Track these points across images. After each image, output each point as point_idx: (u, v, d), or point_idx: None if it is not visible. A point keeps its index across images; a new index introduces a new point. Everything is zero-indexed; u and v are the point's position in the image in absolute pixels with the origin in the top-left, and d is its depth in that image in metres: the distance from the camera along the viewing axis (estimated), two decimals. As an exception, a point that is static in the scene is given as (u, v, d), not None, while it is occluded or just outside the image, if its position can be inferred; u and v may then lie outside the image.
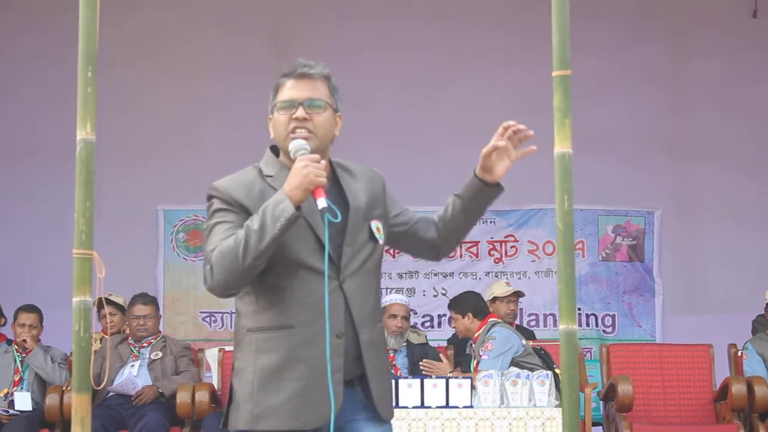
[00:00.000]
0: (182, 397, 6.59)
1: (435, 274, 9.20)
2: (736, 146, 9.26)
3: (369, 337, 2.81)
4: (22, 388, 7.01)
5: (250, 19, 9.29)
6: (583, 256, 9.19)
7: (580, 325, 8.93)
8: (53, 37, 8.69)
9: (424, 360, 6.79)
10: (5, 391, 7.00)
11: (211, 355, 7.35)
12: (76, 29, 2.57)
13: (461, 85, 9.21)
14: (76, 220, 2.52)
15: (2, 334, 7.28)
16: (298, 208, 2.63)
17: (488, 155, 2.89)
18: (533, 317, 9.07)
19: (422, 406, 5.62)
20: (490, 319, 6.60)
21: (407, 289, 9.03)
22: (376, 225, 2.87)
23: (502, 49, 9.20)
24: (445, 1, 9.44)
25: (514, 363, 6.19)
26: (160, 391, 6.81)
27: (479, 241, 9.20)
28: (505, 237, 9.25)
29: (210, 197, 2.79)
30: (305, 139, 2.76)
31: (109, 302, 7.39)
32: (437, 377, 5.89)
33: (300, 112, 2.78)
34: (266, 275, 2.71)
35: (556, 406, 5.62)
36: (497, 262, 9.25)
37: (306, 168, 2.65)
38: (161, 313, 7.58)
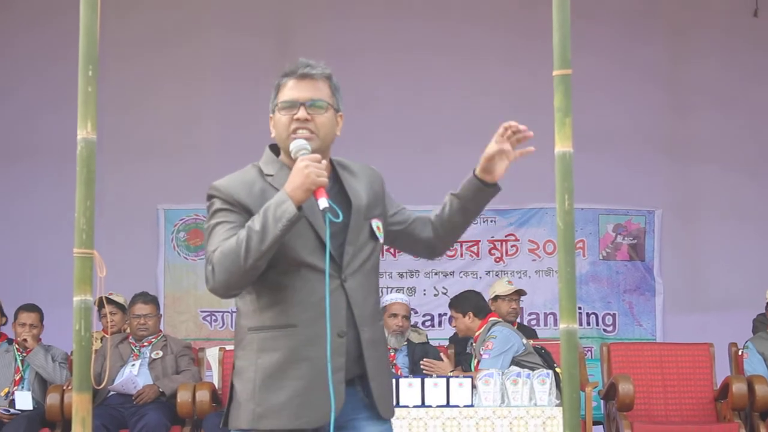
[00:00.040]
0: (183, 397, 6.59)
1: (435, 273, 9.20)
2: (737, 145, 9.26)
3: (370, 336, 2.81)
4: (22, 387, 7.01)
5: (251, 19, 9.29)
6: (584, 255, 9.19)
7: (580, 324, 8.93)
8: (54, 36, 8.70)
9: (424, 359, 6.79)
10: (6, 390, 7.00)
11: (212, 354, 7.35)
12: (76, 29, 2.57)
13: (462, 85, 9.21)
14: (76, 219, 2.52)
15: (3, 334, 7.28)
16: (299, 208, 2.63)
17: (491, 158, 2.86)
18: (534, 316, 9.07)
19: (423, 405, 5.62)
20: (490, 319, 6.60)
21: (408, 288, 9.03)
22: (376, 224, 2.88)
23: (502, 49, 9.21)
24: (446, 0, 9.44)
25: (515, 362, 6.19)
26: (160, 390, 6.82)
27: (480, 240, 9.21)
28: (506, 236, 9.25)
29: (210, 197, 2.79)
30: (307, 139, 2.76)
31: (110, 301, 7.39)
32: (438, 376, 5.89)
33: (302, 113, 2.78)
34: (268, 274, 2.71)
35: (556, 405, 5.62)
36: (498, 261, 9.25)
37: (307, 168, 2.65)
38: (162, 312, 7.58)
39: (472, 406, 5.62)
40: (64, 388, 6.70)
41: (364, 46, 9.14)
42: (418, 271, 9.18)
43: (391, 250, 8.41)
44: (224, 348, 7.21)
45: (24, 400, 6.88)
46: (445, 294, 8.94)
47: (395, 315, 7.01)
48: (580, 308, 8.96)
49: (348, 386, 2.76)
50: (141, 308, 7.08)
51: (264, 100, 2.87)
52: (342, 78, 2.92)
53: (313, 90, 2.80)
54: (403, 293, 7.72)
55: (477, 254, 9.25)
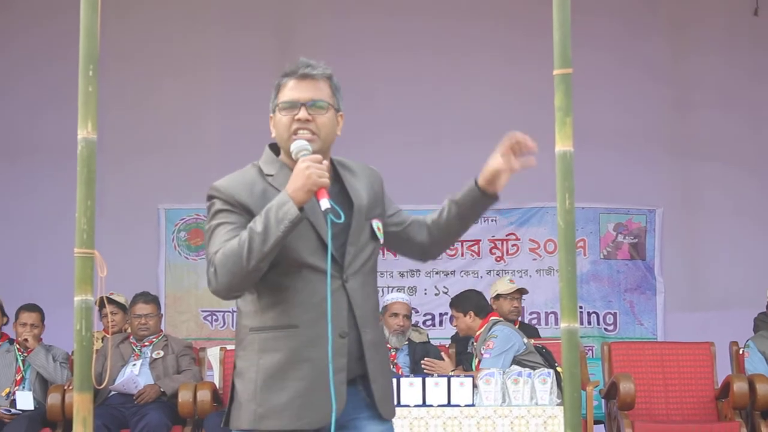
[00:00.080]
0: (184, 396, 6.59)
1: (436, 273, 9.20)
2: (738, 143, 9.26)
3: (371, 336, 2.81)
4: (23, 387, 7.01)
5: (252, 17, 9.29)
6: (585, 255, 9.19)
7: (581, 323, 8.93)
8: (54, 35, 8.69)
9: (425, 359, 6.79)
10: (7, 390, 7.00)
11: (213, 354, 7.35)
12: (77, 28, 2.57)
13: (462, 84, 9.21)
14: (77, 219, 2.52)
15: (4, 334, 7.28)
16: (301, 209, 2.63)
17: (497, 173, 2.88)
18: (535, 315, 9.07)
19: (424, 404, 5.62)
20: (491, 318, 6.60)
21: (408, 288, 9.03)
22: (377, 224, 2.88)
23: (503, 47, 9.21)
24: (447, -1, 9.45)
25: (516, 361, 6.19)
26: (161, 390, 6.82)
27: (480, 240, 9.21)
28: (507, 235, 9.25)
29: (210, 197, 2.78)
30: (308, 140, 2.76)
31: (111, 301, 7.39)
32: (439, 376, 5.89)
33: (302, 113, 2.77)
34: (269, 275, 2.70)
35: (557, 405, 5.62)
36: (498, 261, 9.25)
37: (308, 169, 2.64)
38: (163, 311, 7.58)
39: (473, 405, 5.62)
40: (65, 388, 6.70)
41: (365, 44, 9.14)
42: (418, 271, 9.17)
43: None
44: (225, 347, 7.20)
45: (25, 400, 6.88)
46: (445, 293, 8.94)
47: (396, 314, 7.01)
48: (581, 307, 8.96)
49: (349, 386, 2.75)
50: (142, 308, 7.08)
51: (265, 99, 2.87)
52: (342, 76, 2.92)
53: (314, 90, 2.79)
54: (403, 292, 7.72)
55: (478, 253, 9.25)
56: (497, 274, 8.98)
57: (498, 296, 7.39)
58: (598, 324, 9.19)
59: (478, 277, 9.15)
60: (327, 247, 2.70)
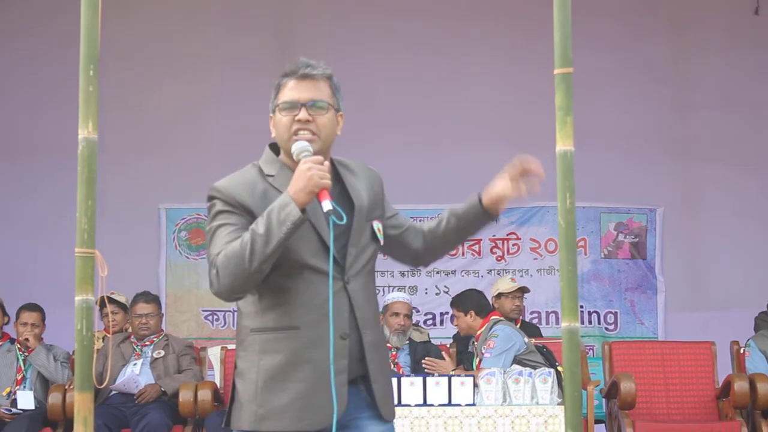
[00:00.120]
0: (185, 396, 6.59)
1: (437, 272, 9.20)
2: (738, 143, 9.26)
3: (372, 338, 2.81)
4: (24, 386, 7.01)
5: (253, 17, 9.29)
6: (585, 254, 9.19)
7: (582, 322, 8.93)
8: (55, 35, 8.70)
9: (426, 358, 6.79)
10: (8, 389, 7.01)
11: (214, 354, 7.36)
12: (77, 27, 2.57)
13: (463, 83, 9.21)
14: (78, 218, 2.52)
15: (5, 333, 7.28)
16: (303, 210, 2.63)
17: (502, 196, 2.92)
18: (535, 315, 9.07)
19: (425, 404, 5.62)
20: (492, 317, 6.60)
21: (409, 287, 9.03)
22: (377, 225, 2.88)
23: (503, 47, 9.21)
24: (447, -2, 9.45)
25: (517, 361, 6.20)
26: (162, 389, 6.82)
27: (481, 239, 9.21)
28: (507, 235, 9.25)
29: (211, 198, 2.77)
30: (308, 141, 2.75)
31: (112, 301, 7.39)
32: (440, 375, 5.89)
33: (303, 114, 2.77)
34: (270, 276, 2.70)
35: (558, 404, 5.62)
36: (499, 260, 9.25)
37: (310, 171, 2.64)
38: (163, 311, 7.58)
39: (473, 405, 5.62)
40: (66, 387, 6.70)
41: (365, 44, 9.15)
42: (419, 270, 9.17)
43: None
44: (226, 347, 7.20)
45: (26, 400, 6.88)
46: (446, 293, 8.94)
47: (397, 314, 7.01)
48: (581, 307, 8.96)
49: (350, 385, 2.76)
50: (142, 307, 7.08)
51: (265, 99, 2.87)
52: (342, 76, 2.92)
53: (314, 90, 2.79)
54: (404, 292, 7.72)
55: (478, 253, 9.25)
56: (498, 274, 8.98)
57: (499, 295, 7.39)
58: (599, 323, 9.19)
59: (478, 276, 9.15)
60: (328, 249, 2.71)
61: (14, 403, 6.91)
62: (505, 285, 7.47)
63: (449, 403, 5.62)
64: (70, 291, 2.52)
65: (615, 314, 9.22)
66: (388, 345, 6.92)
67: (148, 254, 9.10)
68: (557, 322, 8.94)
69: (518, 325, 7.18)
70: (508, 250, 9.26)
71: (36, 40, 9.12)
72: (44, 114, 9.06)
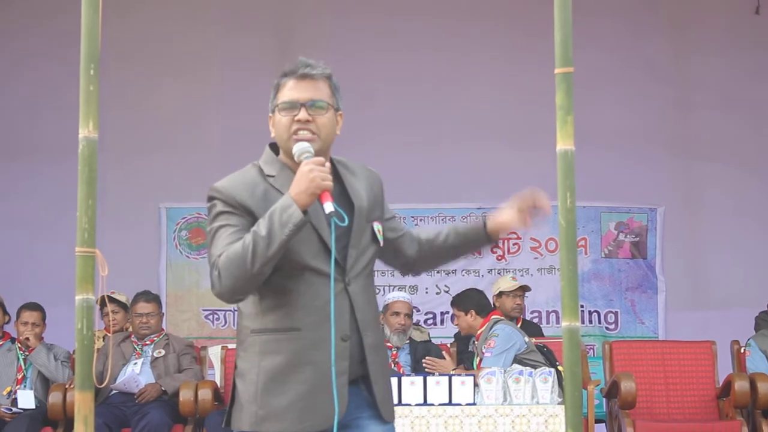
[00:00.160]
0: (185, 395, 6.59)
1: (437, 272, 9.19)
2: (739, 143, 9.25)
3: (372, 339, 2.81)
4: (25, 386, 7.02)
5: (253, 16, 9.29)
6: (586, 253, 9.19)
7: (582, 322, 8.94)
8: (55, 34, 8.71)
9: (426, 357, 6.78)
10: (8, 389, 7.01)
11: (214, 353, 7.36)
12: (78, 26, 2.57)
13: (463, 83, 9.21)
14: (78, 218, 2.52)
15: (6, 332, 7.28)
16: (305, 212, 2.62)
17: (508, 226, 2.95)
18: (536, 314, 9.07)
19: (425, 403, 5.62)
20: (492, 317, 6.60)
21: (410, 287, 9.02)
22: (377, 227, 2.88)
23: (504, 47, 9.20)
24: (447, -2, 9.45)
25: (517, 360, 6.20)
26: (162, 388, 6.82)
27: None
28: (508, 234, 9.22)
29: (211, 198, 2.77)
30: (308, 141, 2.75)
31: (112, 300, 7.39)
32: (440, 375, 5.89)
33: (302, 114, 2.76)
34: (272, 277, 2.69)
35: (558, 404, 5.62)
36: (500, 260, 9.25)
37: (312, 172, 2.63)
38: (164, 310, 7.58)
39: (474, 404, 5.62)
40: (67, 386, 6.70)
41: (365, 44, 9.14)
42: (419, 271, 9.16)
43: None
44: (226, 346, 7.20)
45: (26, 399, 6.88)
46: (447, 292, 8.94)
47: (397, 313, 7.01)
48: (582, 306, 8.95)
49: (351, 385, 2.76)
50: (143, 307, 7.08)
51: (265, 99, 2.86)
52: (342, 76, 2.92)
53: (314, 90, 2.78)
54: (405, 291, 7.71)
55: (479, 252, 9.22)
56: (498, 273, 8.98)
57: (500, 294, 7.39)
58: (600, 323, 9.19)
59: (479, 276, 9.16)
60: (329, 250, 2.71)
61: (15, 402, 6.91)
62: (506, 284, 7.47)
63: (450, 403, 5.62)
64: (71, 290, 2.52)
65: (615, 314, 9.22)
66: (389, 344, 6.92)
67: (149, 253, 9.10)
68: (558, 322, 8.94)
69: (519, 324, 7.18)
70: (508, 250, 9.26)
71: (36, 39, 9.12)
72: (44, 113, 9.06)
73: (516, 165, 8.95)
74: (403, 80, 9.16)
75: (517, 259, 9.24)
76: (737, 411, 6.74)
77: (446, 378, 5.70)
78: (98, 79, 2.55)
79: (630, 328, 9.18)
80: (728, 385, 6.79)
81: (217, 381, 7.11)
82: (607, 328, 9.16)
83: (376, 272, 2.94)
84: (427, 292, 9.19)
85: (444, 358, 6.89)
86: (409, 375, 5.98)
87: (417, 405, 5.61)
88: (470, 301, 6.73)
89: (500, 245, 9.22)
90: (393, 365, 6.89)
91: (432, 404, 5.61)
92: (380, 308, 6.88)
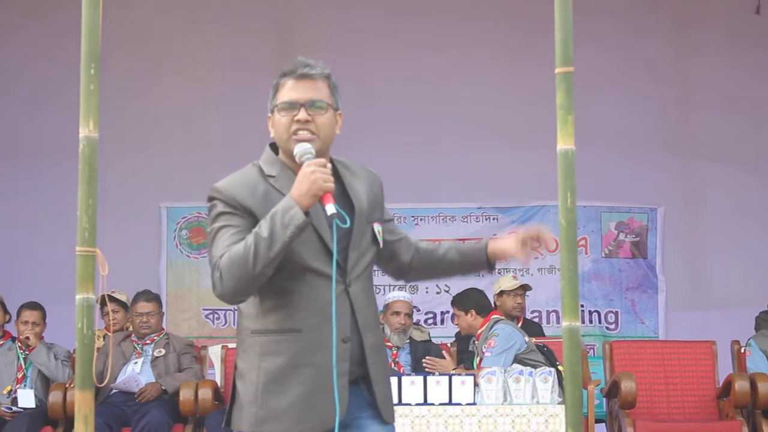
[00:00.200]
0: (185, 395, 6.59)
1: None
2: (739, 143, 9.25)
3: (372, 341, 2.81)
4: (25, 385, 7.02)
5: (253, 15, 9.29)
6: (586, 253, 9.18)
7: (583, 321, 8.94)
8: (55, 33, 8.71)
9: (427, 357, 6.78)
10: (8, 388, 7.01)
11: (215, 352, 7.36)
12: (78, 24, 2.57)
13: (463, 82, 9.21)
14: (78, 217, 2.52)
15: (6, 332, 7.29)
16: (306, 214, 2.62)
17: (509, 256, 3.01)
18: (536, 314, 9.07)
19: (425, 403, 5.62)
20: (492, 316, 6.60)
21: (410, 286, 9.00)
22: (377, 228, 2.88)
23: (504, 46, 9.20)
24: (448, -3, 9.45)
25: (517, 360, 6.20)
26: (163, 388, 6.82)
27: (482, 238, 9.18)
28: (508, 234, 9.22)
29: (211, 199, 2.76)
30: (308, 141, 2.75)
31: (112, 299, 7.40)
32: (440, 374, 5.89)
33: (302, 114, 2.76)
34: (273, 278, 2.69)
35: (559, 403, 5.62)
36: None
37: (314, 174, 2.63)
38: (164, 310, 7.58)
39: (474, 404, 5.62)
40: (67, 386, 6.70)
41: (365, 44, 9.14)
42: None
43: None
44: (227, 346, 7.21)
45: (26, 398, 6.89)
46: (447, 292, 8.94)
47: (397, 313, 7.01)
48: (582, 306, 8.95)
49: (351, 385, 2.76)
50: (143, 306, 7.08)
51: (266, 98, 2.86)
52: (343, 75, 2.92)
53: (313, 90, 2.78)
54: (405, 291, 7.71)
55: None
56: (498, 273, 8.97)
57: (501, 293, 7.39)
58: (600, 323, 9.19)
59: (479, 275, 9.11)
60: (330, 251, 2.71)
61: (15, 401, 6.92)
62: (507, 283, 7.47)
63: (450, 402, 5.62)
64: (71, 289, 2.52)
65: (616, 313, 9.22)
66: (389, 344, 6.92)
67: (149, 253, 9.10)
68: (558, 322, 8.94)
69: (520, 324, 7.18)
70: (509, 249, 9.24)
71: (36, 39, 9.12)
72: (45, 112, 9.05)
73: (516, 165, 8.96)
74: (403, 80, 9.16)
75: (518, 258, 9.23)
76: (737, 411, 6.74)
77: (446, 378, 5.70)
78: (99, 79, 2.55)
79: (630, 327, 9.18)
80: (728, 385, 6.79)
81: (218, 380, 7.11)
82: (607, 328, 9.16)
83: (376, 272, 2.94)
84: (427, 292, 9.19)
85: (444, 357, 6.89)
86: (409, 375, 5.97)
87: (417, 405, 5.61)
88: (470, 300, 6.73)
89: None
90: (393, 365, 6.89)
91: (432, 404, 5.61)
92: (380, 308, 6.89)
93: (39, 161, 9.06)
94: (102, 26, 2.57)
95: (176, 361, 7.01)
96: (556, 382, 5.70)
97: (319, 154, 2.74)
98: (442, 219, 9.22)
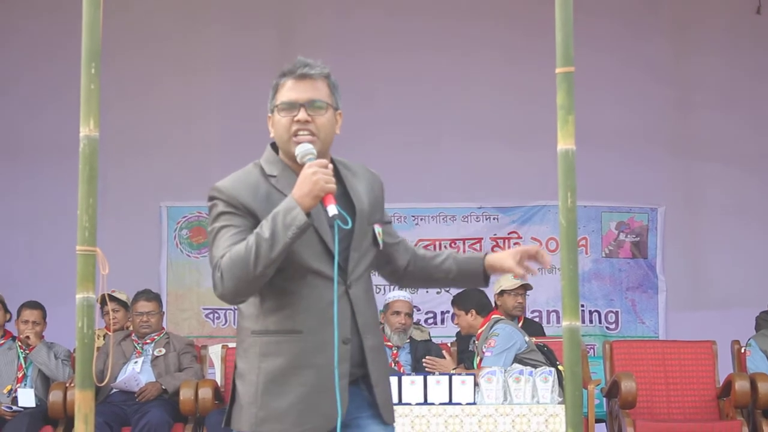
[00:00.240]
0: (185, 394, 6.59)
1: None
2: (739, 142, 9.25)
3: (372, 342, 2.81)
4: (25, 384, 7.02)
5: (254, 14, 9.29)
6: (587, 253, 9.18)
7: (583, 321, 8.94)
8: (56, 32, 8.71)
9: (427, 357, 6.79)
10: (9, 387, 7.01)
11: (215, 352, 7.36)
12: (78, 22, 2.57)
13: (464, 82, 9.21)
14: (79, 216, 2.52)
15: (7, 331, 7.29)
16: (308, 215, 2.62)
17: (504, 271, 3.00)
18: (536, 314, 9.07)
19: (425, 402, 5.62)
20: (493, 316, 6.60)
21: (410, 286, 9.01)
22: (378, 229, 2.88)
23: (505, 46, 9.20)
24: (449, -3, 9.45)
25: (518, 360, 6.20)
26: (163, 387, 6.82)
27: (482, 238, 9.21)
28: (509, 234, 9.24)
29: (212, 198, 2.76)
30: (308, 141, 2.75)
31: (113, 299, 7.39)
32: (440, 374, 5.89)
33: (302, 114, 2.76)
34: (274, 279, 2.68)
35: (559, 403, 5.62)
36: (501, 259, 9.23)
37: (316, 175, 2.62)
38: (164, 309, 7.59)
39: (474, 403, 5.62)
40: (67, 385, 6.70)
41: (365, 44, 9.14)
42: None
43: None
44: (227, 345, 7.21)
45: (27, 398, 6.89)
46: (447, 291, 8.92)
47: (398, 312, 7.01)
48: (582, 306, 8.95)
49: (351, 386, 2.76)
50: (144, 305, 7.08)
51: (266, 97, 2.86)
52: (343, 75, 2.91)
53: (312, 90, 2.78)
54: (405, 290, 7.71)
55: (483, 252, 9.23)
56: (503, 273, 8.97)
57: (502, 292, 7.38)
58: (600, 322, 9.19)
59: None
60: (331, 253, 2.71)
61: (15, 400, 6.92)
62: (508, 282, 7.46)
63: (450, 402, 5.62)
64: (71, 289, 2.52)
65: (616, 313, 9.22)
66: (389, 344, 6.92)
67: (149, 252, 9.10)
68: (558, 321, 8.94)
69: (521, 323, 7.18)
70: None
71: (37, 38, 9.12)
72: (45, 112, 9.05)
73: (516, 165, 8.96)
74: (403, 80, 9.16)
75: (518, 258, 9.22)
76: (737, 411, 6.74)
77: (446, 377, 5.70)
78: (99, 78, 2.55)
79: (630, 327, 9.18)
80: (728, 385, 6.79)
81: (218, 380, 7.12)
82: (607, 328, 9.16)
83: (374, 272, 2.94)
84: (427, 292, 9.17)
85: (444, 357, 6.89)
86: (409, 374, 5.97)
87: (417, 404, 5.60)
88: (471, 300, 6.73)
89: (501, 245, 9.22)
90: (393, 364, 6.89)
91: (432, 404, 5.61)
92: (380, 307, 6.89)
93: (39, 161, 9.06)
94: (102, 26, 2.57)
95: (176, 360, 7.01)
96: (557, 381, 5.69)
97: (320, 154, 2.74)
98: (442, 219, 9.22)
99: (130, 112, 9.02)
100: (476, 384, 5.67)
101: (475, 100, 9.11)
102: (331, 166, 2.74)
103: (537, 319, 8.93)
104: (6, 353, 7.15)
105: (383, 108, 9.05)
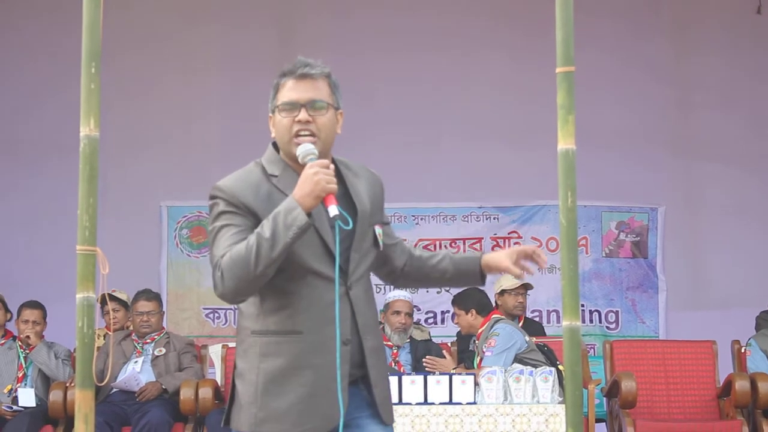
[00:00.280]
0: (186, 394, 6.59)
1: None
2: (740, 143, 9.25)
3: (372, 343, 2.81)
4: (25, 384, 7.02)
5: (254, 13, 9.29)
6: (587, 253, 9.18)
7: (583, 321, 8.93)
8: (56, 31, 8.71)
9: (427, 356, 6.79)
10: (9, 387, 7.01)
11: (215, 352, 7.36)
12: (79, 23, 2.57)
13: (464, 82, 9.21)
14: (79, 216, 2.52)
15: (7, 331, 7.29)
16: (309, 215, 2.61)
17: (501, 271, 3.03)
18: (537, 314, 9.07)
19: (425, 402, 5.62)
20: (493, 316, 6.60)
21: (410, 286, 9.01)
22: (378, 230, 2.88)
23: (505, 46, 9.20)
24: (449, -4, 9.45)
25: (518, 359, 6.20)
26: (163, 387, 6.82)
27: (483, 238, 9.21)
28: (509, 233, 9.24)
29: (213, 197, 2.75)
30: (310, 141, 2.74)
31: (113, 298, 7.39)
32: (440, 374, 5.89)
33: (303, 115, 2.75)
34: (274, 279, 2.68)
35: (559, 403, 5.62)
36: (501, 259, 9.22)
37: (317, 175, 2.62)
38: (165, 309, 7.59)
39: (474, 403, 5.62)
40: (67, 385, 6.70)
41: (366, 44, 9.14)
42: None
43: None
44: (227, 345, 7.21)
45: (27, 397, 6.89)
46: (447, 291, 8.93)
47: (398, 312, 7.01)
48: (582, 305, 8.95)
49: (351, 386, 2.76)
50: (144, 305, 7.08)
51: (266, 97, 2.86)
52: (343, 75, 2.91)
53: (313, 90, 2.77)
54: (405, 290, 7.72)
55: (480, 251, 9.24)
56: (499, 272, 8.96)
57: (503, 292, 7.38)
58: (600, 322, 9.19)
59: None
60: (332, 253, 2.70)
61: (15, 400, 6.92)
62: (508, 282, 7.46)
63: (450, 402, 5.62)
64: (72, 288, 2.52)
65: (616, 313, 9.21)
66: (389, 343, 6.92)
67: (150, 252, 9.10)
68: (558, 321, 8.94)
69: (522, 323, 7.18)
70: (509, 249, 9.24)
71: (37, 37, 9.12)
72: (45, 111, 9.05)
73: (516, 165, 8.96)
74: (403, 80, 9.15)
75: (518, 258, 9.22)
76: (738, 411, 6.74)
77: (447, 377, 5.70)
78: (99, 77, 2.55)
79: (631, 327, 9.18)
80: (729, 384, 6.79)
81: (218, 379, 7.11)
82: (607, 328, 9.16)
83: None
84: (427, 291, 9.17)
85: (444, 357, 6.89)
86: (409, 374, 5.97)
87: (417, 404, 5.60)
88: (471, 300, 6.73)
89: (501, 245, 9.22)
90: (393, 364, 6.89)
91: (432, 403, 5.61)
92: (381, 307, 6.89)
93: (39, 160, 9.06)
94: (102, 25, 2.57)
95: (176, 360, 7.01)
96: (557, 381, 5.70)
97: (321, 154, 2.73)
98: (442, 219, 9.22)
99: (130, 112, 9.02)
100: (476, 384, 5.67)
101: (475, 100, 9.11)
102: (332, 166, 2.73)
103: (537, 319, 8.93)
104: (6, 353, 7.15)
105: (383, 108, 9.05)
